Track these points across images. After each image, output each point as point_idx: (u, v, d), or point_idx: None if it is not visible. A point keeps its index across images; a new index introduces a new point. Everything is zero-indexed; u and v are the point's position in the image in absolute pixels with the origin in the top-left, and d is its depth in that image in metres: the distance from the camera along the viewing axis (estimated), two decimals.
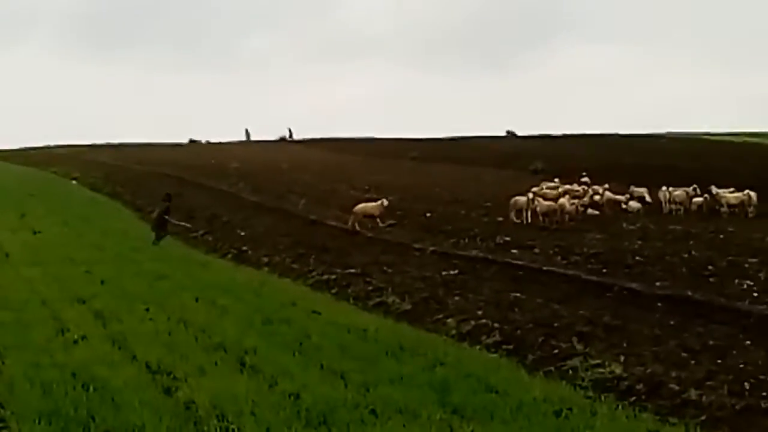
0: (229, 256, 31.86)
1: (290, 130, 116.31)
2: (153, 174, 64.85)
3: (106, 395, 11.55)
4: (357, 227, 33.47)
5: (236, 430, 10.12)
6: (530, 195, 35.49)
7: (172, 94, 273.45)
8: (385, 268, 25.52)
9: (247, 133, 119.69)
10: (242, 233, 35.77)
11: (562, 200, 34.98)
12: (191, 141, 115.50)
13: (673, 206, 38.77)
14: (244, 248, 32.55)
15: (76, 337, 15.83)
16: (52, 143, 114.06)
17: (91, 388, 11.90)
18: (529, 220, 34.02)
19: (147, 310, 18.77)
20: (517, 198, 35.18)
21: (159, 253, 31.52)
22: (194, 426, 10.32)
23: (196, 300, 20.31)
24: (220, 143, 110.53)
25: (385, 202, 34.39)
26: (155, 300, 20.26)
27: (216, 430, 10.12)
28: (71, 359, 13.96)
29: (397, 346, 15.30)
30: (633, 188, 41.53)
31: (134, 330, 16.55)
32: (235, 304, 20.02)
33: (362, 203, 35.62)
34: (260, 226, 37.41)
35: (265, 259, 29.79)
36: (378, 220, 34.06)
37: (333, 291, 23.74)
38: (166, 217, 35.30)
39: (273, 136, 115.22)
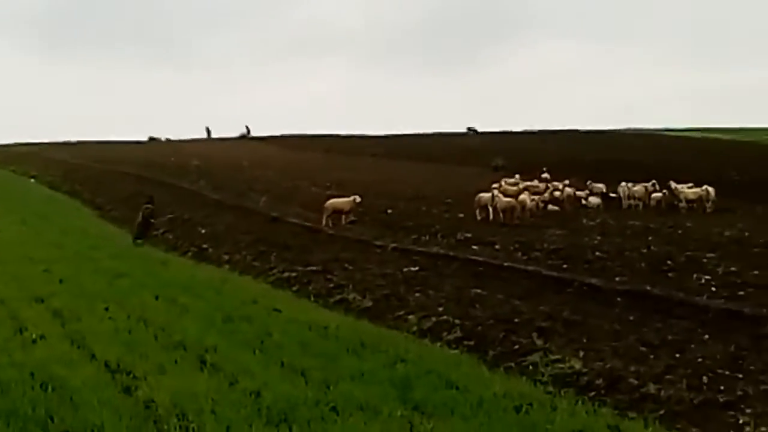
0: (190, 254, 31.73)
1: (248, 128, 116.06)
2: (112, 172, 64.51)
3: (64, 395, 11.46)
4: (327, 222, 33.53)
5: (196, 428, 10.05)
6: (495, 191, 35.65)
7: (133, 92, 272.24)
8: (346, 265, 25.50)
9: (208, 131, 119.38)
10: (203, 231, 35.64)
11: (522, 196, 35.12)
12: (151, 139, 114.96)
13: (632, 201, 39.11)
14: (205, 246, 32.43)
15: (34, 336, 15.70)
16: (10, 141, 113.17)
17: (50, 388, 11.79)
18: (492, 217, 34.08)
19: (106, 308, 18.65)
20: (482, 194, 35.27)
21: (118, 251, 31.35)
22: (154, 425, 10.25)
23: (156, 298, 20.19)
24: (180, 141, 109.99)
25: (357, 199, 34.43)
26: (114, 298, 20.13)
27: (176, 429, 10.05)
28: (29, 358, 13.83)
29: (358, 343, 15.29)
30: (592, 184, 41.83)
31: (93, 329, 16.43)
32: (195, 302, 19.92)
33: (333, 198, 35.66)
34: (221, 223, 37.26)
35: (226, 257, 29.70)
36: (343, 216, 34.08)
37: (294, 288, 23.68)
38: (152, 220, 35.23)
39: (234, 134, 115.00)
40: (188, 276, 25.01)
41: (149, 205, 35.85)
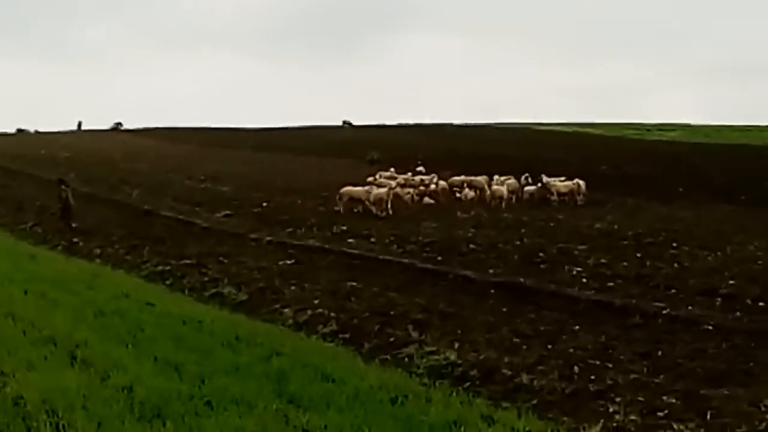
0: (60, 248, 30.98)
1: (119, 124, 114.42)
2: None
3: None
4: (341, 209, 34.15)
5: (67, 425, 9.80)
6: (393, 183, 35.85)
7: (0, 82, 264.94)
8: (221, 258, 25.29)
9: (79, 125, 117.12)
10: (73, 224, 34.83)
11: (408, 189, 35.52)
12: (19, 130, 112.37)
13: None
14: (75, 240, 31.73)
15: None
16: None
17: None
18: (391, 212, 33.87)
19: None
20: (377, 191, 35.15)
21: None
22: (23, 422, 9.94)
23: (25, 293, 19.63)
24: (50, 133, 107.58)
25: (371, 191, 34.90)
26: None
27: (46, 425, 9.78)
28: None
29: (233, 336, 15.15)
30: (469, 178, 42.12)
31: None
32: (65, 296, 19.45)
33: (349, 186, 35.81)
34: (92, 217, 36.50)
35: (98, 251, 29.09)
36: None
37: (168, 282, 23.35)
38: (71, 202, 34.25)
39: (106, 126, 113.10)
40: (58, 270, 24.41)
41: (65, 187, 34.84)
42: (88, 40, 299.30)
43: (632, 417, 11.15)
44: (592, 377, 12.87)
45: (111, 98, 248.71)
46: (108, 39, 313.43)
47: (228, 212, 34.81)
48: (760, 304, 17.51)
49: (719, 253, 23.67)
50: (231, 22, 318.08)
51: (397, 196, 35.54)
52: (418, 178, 41.04)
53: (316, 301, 19.01)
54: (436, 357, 14.29)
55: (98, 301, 18.67)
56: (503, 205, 36.98)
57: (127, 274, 24.93)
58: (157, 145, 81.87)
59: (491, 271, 21.69)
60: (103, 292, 20.53)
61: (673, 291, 18.95)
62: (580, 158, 55.93)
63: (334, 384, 11.98)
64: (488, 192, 38.50)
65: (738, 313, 16.87)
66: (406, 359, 14.54)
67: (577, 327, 16.14)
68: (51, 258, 28.26)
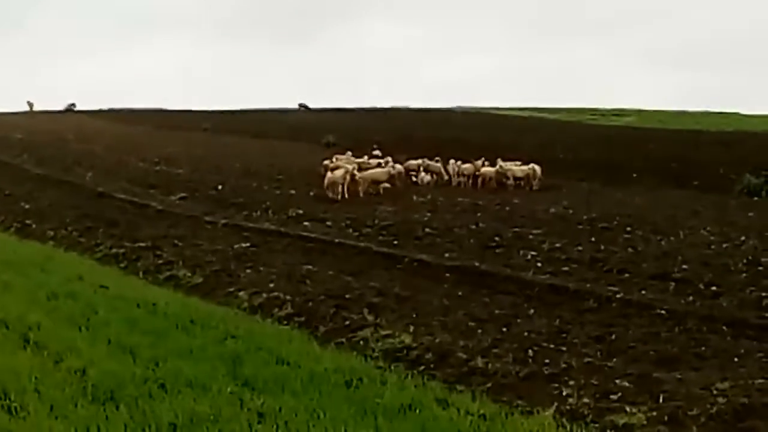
0: (12, 230, 30.66)
1: (72, 104, 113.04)
2: None
3: None
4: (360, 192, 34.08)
5: (19, 408, 9.72)
6: (351, 167, 35.71)
7: None
8: (175, 241, 25.12)
9: (30, 105, 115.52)
10: (26, 206, 34.50)
11: (378, 170, 35.68)
12: None
13: (462, 179, 39.62)
14: (28, 222, 31.40)
15: None
16: None
17: None
18: (346, 195, 33.77)
19: None
20: (332, 175, 34.98)
21: None
22: None
23: None
24: (1, 114, 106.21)
25: (392, 171, 35.75)
26: None
27: None
28: None
29: (187, 319, 15.10)
30: (426, 161, 42.14)
31: None
32: (18, 279, 19.24)
33: (369, 170, 36.03)
34: (45, 199, 36.22)
35: (51, 233, 28.81)
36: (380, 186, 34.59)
37: (122, 265, 23.20)
38: None
39: (59, 107, 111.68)
40: (10, 252, 24.18)
41: None
42: (42, 21, 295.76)
43: (585, 400, 11.24)
44: (546, 361, 12.94)
45: (64, 80, 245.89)
46: (61, 20, 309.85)
47: (183, 195, 34.60)
48: (713, 288, 17.66)
49: (672, 238, 23.87)
50: (187, 4, 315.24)
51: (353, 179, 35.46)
52: (374, 161, 40.96)
53: (271, 284, 18.96)
54: (391, 340, 14.31)
55: (51, 284, 18.52)
56: (493, 184, 37.50)
57: (80, 256, 24.76)
58: (111, 126, 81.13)
59: (447, 255, 21.73)
60: (57, 274, 20.38)
61: (627, 275, 19.11)
62: (536, 143, 56.15)
63: (289, 367, 11.97)
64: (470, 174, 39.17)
65: (691, 298, 17.03)
66: (362, 342, 14.55)
67: (531, 311, 16.23)
68: (3, 240, 28.01)
